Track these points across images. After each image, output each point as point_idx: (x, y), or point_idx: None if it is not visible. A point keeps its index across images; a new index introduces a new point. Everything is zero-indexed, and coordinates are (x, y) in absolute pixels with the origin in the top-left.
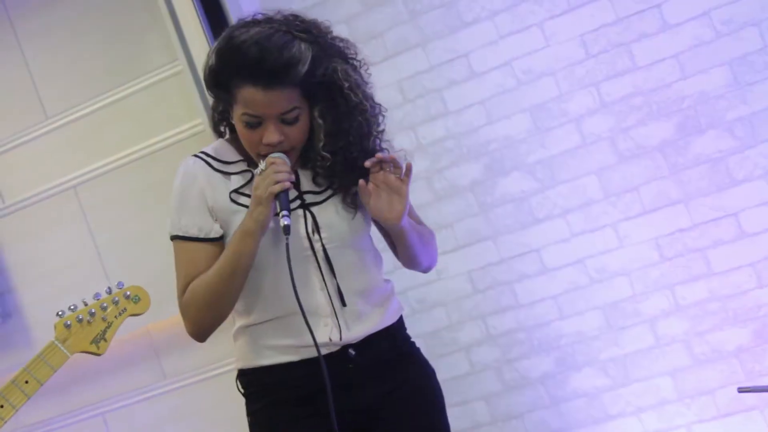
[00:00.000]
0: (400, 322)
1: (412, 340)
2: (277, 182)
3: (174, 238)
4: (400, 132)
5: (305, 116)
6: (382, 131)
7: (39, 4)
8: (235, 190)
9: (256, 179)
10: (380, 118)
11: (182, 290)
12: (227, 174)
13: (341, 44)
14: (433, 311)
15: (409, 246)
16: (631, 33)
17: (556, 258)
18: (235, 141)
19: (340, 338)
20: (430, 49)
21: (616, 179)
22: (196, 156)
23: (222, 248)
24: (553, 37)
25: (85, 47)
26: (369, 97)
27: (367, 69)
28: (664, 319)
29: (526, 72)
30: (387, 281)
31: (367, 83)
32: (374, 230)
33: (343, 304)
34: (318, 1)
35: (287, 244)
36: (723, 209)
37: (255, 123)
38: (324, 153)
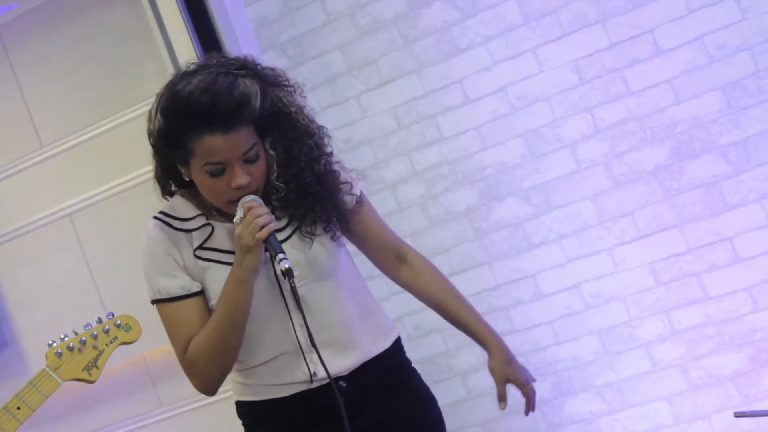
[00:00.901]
0: (396, 346)
1: (413, 366)
2: (262, 226)
3: (156, 302)
4: (395, 158)
5: (262, 152)
6: (331, 153)
7: (34, 33)
8: (199, 247)
9: (237, 229)
10: (326, 140)
11: (182, 350)
12: (188, 231)
13: (272, 73)
14: (429, 337)
15: None
16: (625, 58)
17: (551, 283)
18: (191, 195)
19: (329, 373)
20: (425, 76)
21: (610, 204)
22: (155, 218)
23: (204, 300)
24: (546, 62)
25: (81, 76)
26: (313, 120)
27: (302, 93)
28: (660, 343)
29: (521, 98)
30: (374, 303)
31: (306, 107)
32: (364, 259)
33: (312, 344)
34: (312, 28)
35: (292, 287)
36: (718, 234)
37: (219, 170)
38: (278, 183)
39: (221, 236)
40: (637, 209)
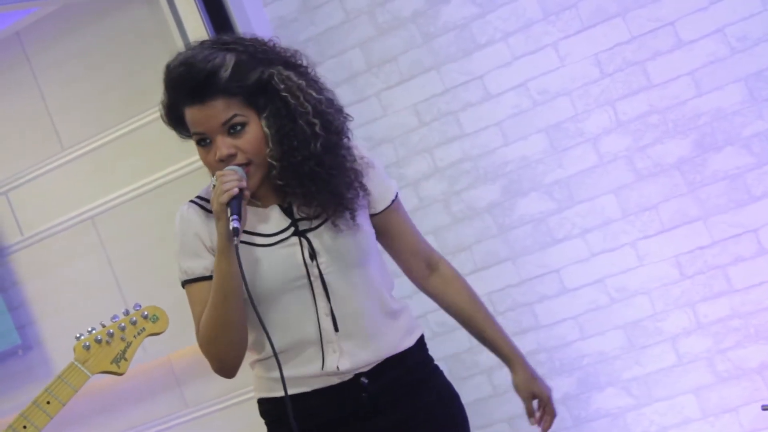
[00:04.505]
0: (419, 344)
1: (435, 363)
2: (225, 192)
3: (185, 284)
4: (416, 155)
5: (254, 125)
6: (336, 133)
7: (54, 37)
8: None
9: (212, 197)
10: (332, 118)
11: (198, 330)
12: None
13: (283, 52)
14: (453, 334)
15: None
16: (646, 51)
17: (575, 278)
18: None
19: (351, 366)
20: (445, 72)
21: (634, 198)
22: (190, 202)
23: None
24: (567, 57)
25: (101, 78)
26: (311, 99)
27: (315, 74)
28: (685, 337)
29: (542, 92)
30: (400, 302)
31: (313, 85)
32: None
33: (336, 329)
34: (331, 27)
35: (236, 247)
36: (742, 226)
37: (205, 142)
38: (269, 160)
39: (251, 219)
40: (660, 202)
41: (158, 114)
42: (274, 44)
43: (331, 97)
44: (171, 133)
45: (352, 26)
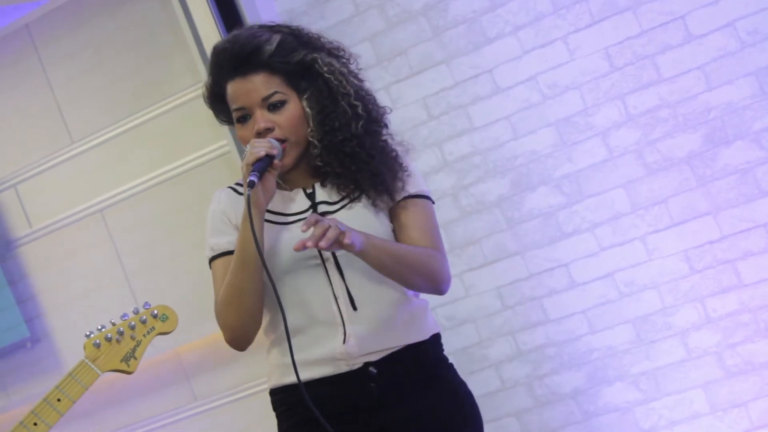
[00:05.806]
0: (434, 341)
1: (450, 362)
2: (253, 155)
3: (211, 260)
4: (426, 149)
5: (294, 105)
6: (376, 120)
7: (63, 29)
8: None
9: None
10: (372, 107)
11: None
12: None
13: (327, 42)
14: (462, 328)
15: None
16: (656, 45)
17: (585, 272)
18: None
19: (361, 352)
20: (455, 66)
21: (643, 192)
22: (227, 187)
23: None
24: (577, 50)
25: (110, 71)
26: (352, 84)
27: (358, 65)
28: (695, 331)
29: (551, 86)
30: (417, 296)
31: (354, 75)
32: None
33: (354, 308)
34: (341, 20)
35: (248, 196)
36: (752, 220)
37: (244, 117)
38: (311, 139)
39: (277, 200)
40: (670, 197)
41: (167, 106)
42: (320, 35)
43: (370, 89)
44: (181, 125)
45: (362, 19)
